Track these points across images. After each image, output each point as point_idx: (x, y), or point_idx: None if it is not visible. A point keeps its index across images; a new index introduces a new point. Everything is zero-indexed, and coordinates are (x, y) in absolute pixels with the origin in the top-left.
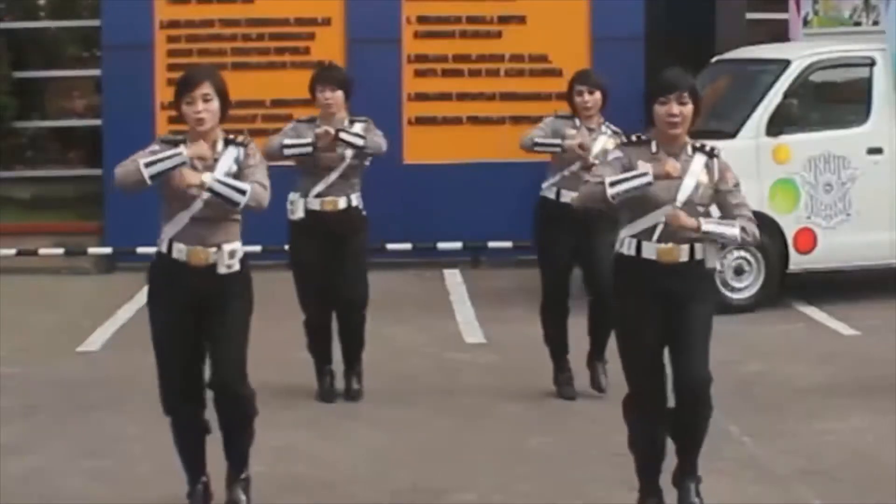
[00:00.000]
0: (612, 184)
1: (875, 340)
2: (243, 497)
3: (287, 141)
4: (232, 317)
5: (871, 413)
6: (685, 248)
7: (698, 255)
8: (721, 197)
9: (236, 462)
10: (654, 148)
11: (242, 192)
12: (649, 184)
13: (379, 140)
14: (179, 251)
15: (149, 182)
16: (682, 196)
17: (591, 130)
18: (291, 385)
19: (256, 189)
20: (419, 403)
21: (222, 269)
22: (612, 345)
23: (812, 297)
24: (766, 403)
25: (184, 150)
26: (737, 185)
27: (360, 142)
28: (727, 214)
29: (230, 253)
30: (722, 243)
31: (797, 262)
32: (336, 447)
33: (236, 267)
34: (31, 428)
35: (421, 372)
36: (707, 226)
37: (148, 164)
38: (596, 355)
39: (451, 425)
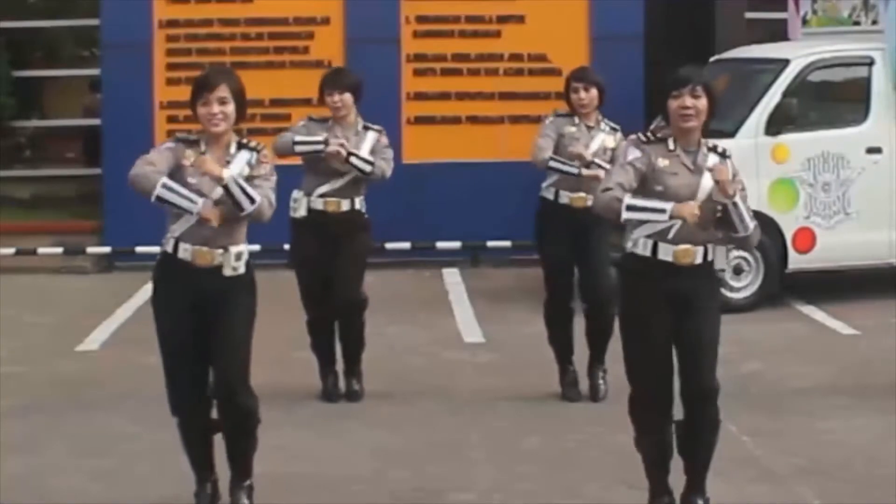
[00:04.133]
0: (629, 208)
1: (874, 340)
2: (247, 503)
3: (298, 138)
4: (236, 323)
5: (871, 413)
6: (700, 249)
7: (710, 257)
8: None
9: (239, 470)
10: (671, 145)
11: (252, 202)
12: (664, 220)
13: (385, 166)
14: (185, 251)
15: (153, 201)
16: (701, 194)
17: (589, 128)
18: (291, 385)
19: (264, 205)
20: (418, 403)
21: (228, 271)
22: (611, 350)
23: (811, 297)
24: (766, 403)
25: (200, 205)
26: (744, 188)
27: (367, 168)
28: None
29: (237, 255)
30: (731, 237)
31: (796, 261)
32: (336, 447)
33: (242, 269)
34: (30, 428)
35: (420, 371)
36: (738, 198)
37: (164, 186)
38: (595, 363)
39: (450, 425)
